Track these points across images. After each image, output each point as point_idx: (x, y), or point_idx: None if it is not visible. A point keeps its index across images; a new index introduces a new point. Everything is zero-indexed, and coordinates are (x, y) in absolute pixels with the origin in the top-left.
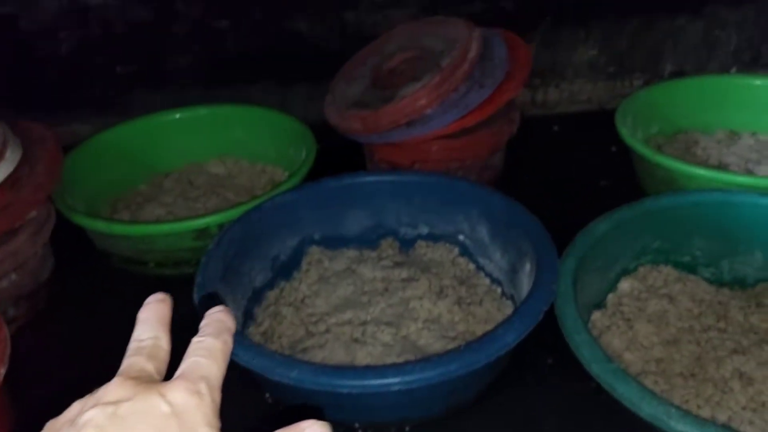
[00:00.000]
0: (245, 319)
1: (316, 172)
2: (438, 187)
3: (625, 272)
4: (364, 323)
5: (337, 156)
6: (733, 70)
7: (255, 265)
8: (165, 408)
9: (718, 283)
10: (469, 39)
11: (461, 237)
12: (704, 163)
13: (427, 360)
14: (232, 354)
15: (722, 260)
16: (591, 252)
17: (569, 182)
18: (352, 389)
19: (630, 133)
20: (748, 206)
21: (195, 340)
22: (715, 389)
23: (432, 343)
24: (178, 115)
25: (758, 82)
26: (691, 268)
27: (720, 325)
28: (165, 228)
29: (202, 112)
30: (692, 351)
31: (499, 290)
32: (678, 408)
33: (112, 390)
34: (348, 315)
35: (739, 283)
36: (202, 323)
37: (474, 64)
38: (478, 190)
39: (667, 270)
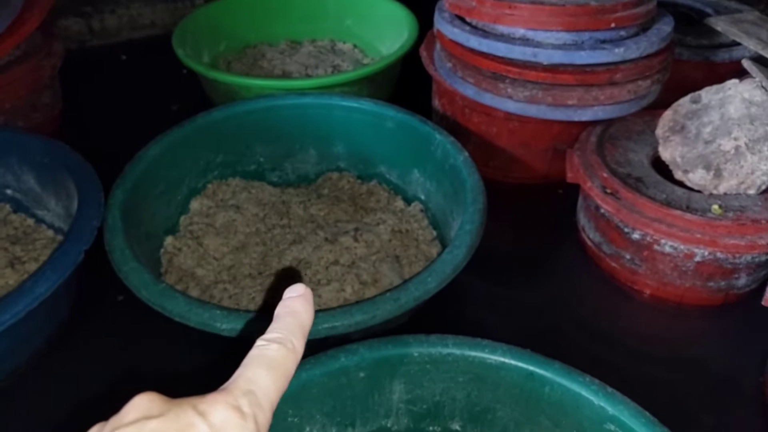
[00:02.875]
0: None
1: None
2: None
3: (195, 192)
4: None
5: None
6: None
7: None
8: (202, 427)
9: (286, 183)
10: None
11: (9, 191)
12: (270, 74)
13: None
14: None
15: (285, 162)
16: (146, 180)
17: (140, 111)
18: None
19: (193, 53)
20: (293, 108)
21: (259, 343)
22: (278, 280)
23: None
24: None
25: None
26: (258, 175)
27: (283, 222)
28: None
29: None
30: (259, 252)
31: (61, 238)
32: (222, 309)
33: (137, 406)
34: None
35: (304, 180)
36: (277, 311)
37: None
38: (11, 134)
39: (236, 182)
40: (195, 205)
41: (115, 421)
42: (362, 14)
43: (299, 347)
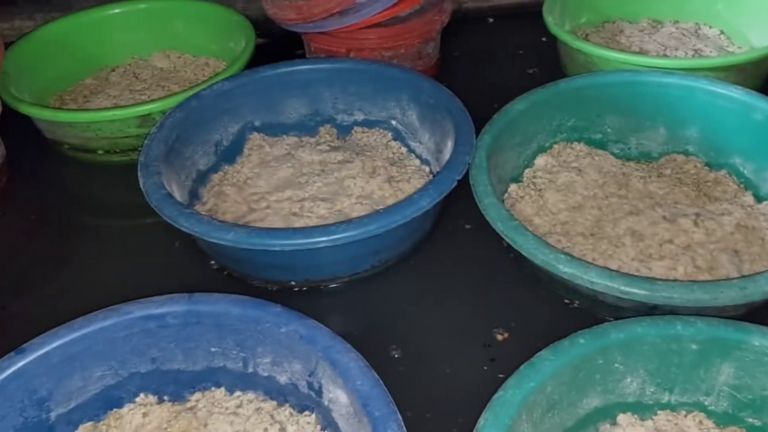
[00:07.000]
0: (191, 199)
1: (260, 65)
2: (370, 74)
3: (542, 150)
4: (301, 200)
5: (282, 48)
6: None
7: (198, 149)
8: None
9: (626, 157)
10: None
11: (394, 122)
12: (627, 51)
13: (349, 221)
14: (176, 223)
15: (630, 136)
16: (508, 130)
17: (499, 70)
18: (283, 247)
19: (557, 22)
20: (653, 85)
21: None
22: (609, 245)
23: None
24: (117, 10)
25: None
26: (602, 145)
27: (621, 193)
28: (108, 115)
29: (141, 6)
30: (594, 215)
31: (427, 169)
32: (566, 254)
33: None
34: (287, 193)
35: (645, 157)
36: None
37: None
38: (408, 74)
39: (580, 147)
40: (540, 161)
41: None
42: None
43: None
